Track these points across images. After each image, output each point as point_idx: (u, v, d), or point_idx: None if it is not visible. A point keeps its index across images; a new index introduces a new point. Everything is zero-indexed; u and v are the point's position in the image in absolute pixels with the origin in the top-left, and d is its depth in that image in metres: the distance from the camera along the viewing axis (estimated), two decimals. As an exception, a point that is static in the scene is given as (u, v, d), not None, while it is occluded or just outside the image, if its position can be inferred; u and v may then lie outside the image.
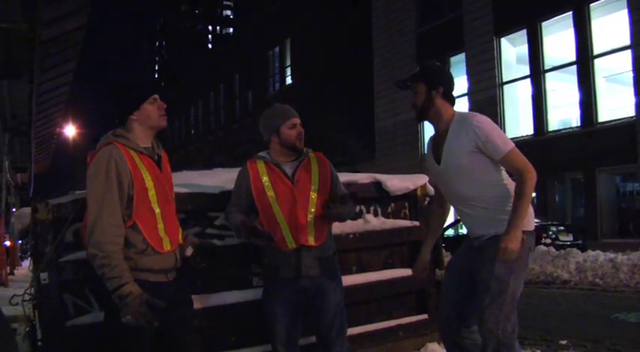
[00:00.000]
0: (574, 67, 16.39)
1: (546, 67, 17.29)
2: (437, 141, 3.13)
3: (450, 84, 3.12)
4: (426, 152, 3.38)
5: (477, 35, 19.04)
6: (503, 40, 18.58)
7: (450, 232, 16.02)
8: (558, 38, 17.22)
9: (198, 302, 3.10)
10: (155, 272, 2.59)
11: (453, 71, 17.80)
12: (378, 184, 4.13)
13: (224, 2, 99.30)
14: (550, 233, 13.84)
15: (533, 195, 3.04)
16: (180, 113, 41.38)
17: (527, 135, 17.47)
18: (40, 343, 3.10)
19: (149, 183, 2.56)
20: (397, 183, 4.19)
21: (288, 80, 28.59)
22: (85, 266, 2.94)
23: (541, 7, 16.89)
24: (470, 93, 19.14)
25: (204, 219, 3.51)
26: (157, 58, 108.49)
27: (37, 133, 16.14)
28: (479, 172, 2.95)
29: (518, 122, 18.52)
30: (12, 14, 6.88)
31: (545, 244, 12.62)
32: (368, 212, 4.12)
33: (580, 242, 13.76)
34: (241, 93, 32.84)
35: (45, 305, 3.06)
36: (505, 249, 2.77)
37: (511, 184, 2.98)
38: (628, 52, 15.17)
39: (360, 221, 4.01)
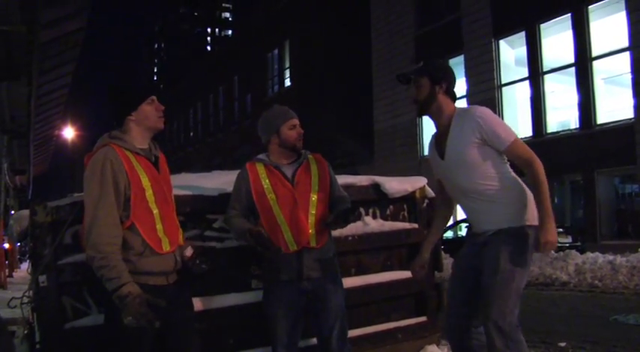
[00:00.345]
0: (573, 69, 16.40)
1: (545, 69, 17.29)
2: (439, 137, 3.13)
3: (452, 80, 3.12)
4: (428, 152, 3.37)
5: (475, 37, 19.06)
6: (501, 42, 18.59)
7: (449, 234, 16.03)
8: (557, 40, 17.22)
9: (196, 304, 3.10)
10: (155, 275, 2.58)
11: (452, 73, 17.74)
12: (376, 186, 4.13)
13: (223, 4, 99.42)
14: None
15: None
16: (179, 115, 41.36)
17: (526, 137, 17.45)
18: (38, 346, 3.10)
19: (146, 184, 2.56)
20: (396, 185, 4.19)
21: (287, 82, 28.58)
22: (83, 268, 2.94)
23: (540, 9, 16.90)
24: (468, 95, 19.14)
25: (202, 221, 3.51)
26: (155, 60, 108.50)
27: (35, 135, 16.13)
28: (484, 164, 2.94)
29: (517, 124, 18.51)
30: (11, 16, 6.88)
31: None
32: (367, 214, 4.12)
33: (579, 244, 13.75)
34: (240, 96, 32.83)
35: (43, 307, 3.06)
36: (546, 243, 2.76)
37: (515, 177, 2.98)
38: (626, 54, 15.18)
39: (358, 223, 4.02)
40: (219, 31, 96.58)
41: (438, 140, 3.14)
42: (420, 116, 3.26)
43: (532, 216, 2.90)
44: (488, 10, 18.63)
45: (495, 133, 2.90)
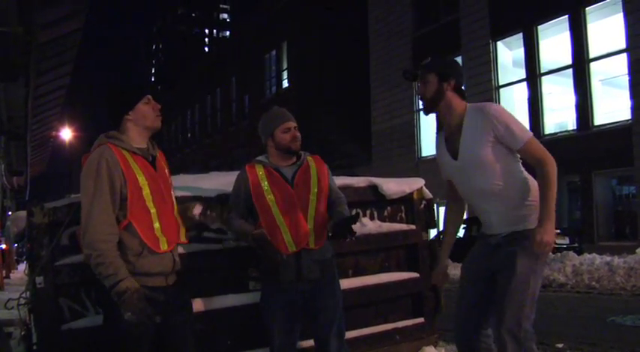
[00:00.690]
0: (570, 71, 16.42)
1: (542, 71, 17.32)
2: (450, 136, 3.02)
3: (461, 77, 3.02)
4: (436, 150, 3.26)
5: (473, 39, 19.08)
6: (499, 43, 18.61)
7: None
8: (554, 42, 17.25)
9: (194, 305, 3.10)
10: (153, 276, 2.58)
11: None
12: (374, 188, 4.14)
13: (221, 5, 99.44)
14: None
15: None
16: (177, 116, 41.35)
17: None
18: (35, 347, 3.10)
19: (142, 182, 2.56)
20: (393, 186, 4.19)
21: (285, 83, 28.58)
22: (80, 269, 2.94)
23: (537, 11, 16.92)
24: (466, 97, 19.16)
25: (200, 222, 3.50)
26: (153, 61, 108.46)
27: (33, 136, 16.12)
28: (499, 164, 2.85)
29: (515, 125, 18.54)
30: (8, 17, 6.86)
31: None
32: (364, 215, 4.13)
33: (576, 245, 13.77)
34: (238, 97, 32.82)
35: (41, 309, 3.06)
36: (541, 242, 2.68)
37: (529, 177, 2.91)
38: (624, 56, 15.20)
39: (356, 225, 4.02)
40: (217, 32, 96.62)
41: (449, 139, 3.03)
42: (428, 114, 3.14)
43: None
44: (486, 12, 18.65)
45: (510, 131, 2.80)
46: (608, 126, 15.60)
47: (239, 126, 31.43)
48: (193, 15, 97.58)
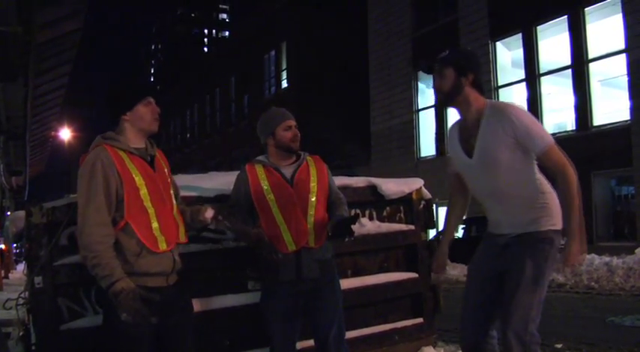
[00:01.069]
0: (569, 71, 16.42)
1: (541, 71, 17.32)
2: (466, 132, 2.93)
3: (479, 71, 2.93)
4: (449, 144, 3.17)
5: (472, 39, 19.07)
6: (498, 44, 18.61)
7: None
8: (553, 42, 17.25)
9: (194, 305, 3.10)
10: (153, 276, 2.57)
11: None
12: (373, 188, 4.14)
13: (220, 6, 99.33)
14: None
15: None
16: (176, 116, 41.32)
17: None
18: (34, 347, 3.09)
19: (139, 182, 2.55)
20: (392, 186, 4.19)
21: (284, 84, 28.57)
22: (79, 270, 2.94)
23: (536, 12, 16.92)
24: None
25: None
26: (152, 62, 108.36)
27: (32, 136, 16.10)
28: (515, 167, 2.79)
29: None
30: (7, 17, 6.86)
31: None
32: (363, 216, 4.13)
33: (575, 245, 13.75)
34: (237, 97, 32.81)
35: (39, 309, 3.06)
36: (576, 257, 2.68)
37: (543, 178, 2.86)
38: (623, 56, 15.20)
39: (355, 226, 4.01)
40: (217, 32, 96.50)
41: (464, 135, 2.94)
42: (443, 107, 3.11)
43: (558, 220, 2.79)
44: (485, 12, 18.65)
45: (531, 136, 2.72)
46: (608, 126, 15.61)
47: (238, 126, 31.41)
48: (193, 15, 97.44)
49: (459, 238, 15.55)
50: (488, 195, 2.96)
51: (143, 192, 2.56)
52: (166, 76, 79.23)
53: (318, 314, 3.13)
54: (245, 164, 3.27)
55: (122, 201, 2.52)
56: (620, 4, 15.15)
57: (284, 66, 28.58)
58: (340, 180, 3.85)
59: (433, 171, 18.77)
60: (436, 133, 19.91)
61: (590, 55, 15.83)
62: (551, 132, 17.29)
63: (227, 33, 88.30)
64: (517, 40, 17.99)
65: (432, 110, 20.21)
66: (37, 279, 3.02)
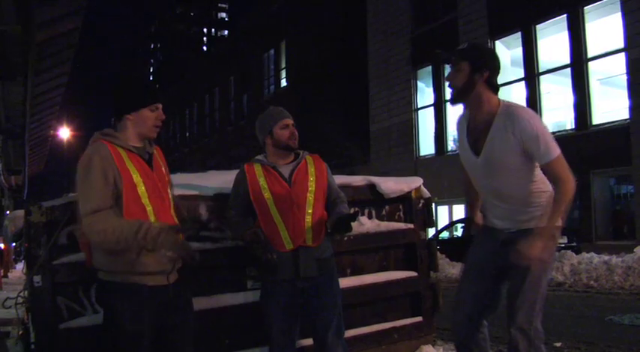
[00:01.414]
0: (568, 70, 16.42)
1: (541, 70, 17.31)
2: (474, 129, 2.90)
3: (496, 70, 2.84)
4: (457, 135, 3.14)
5: (471, 38, 19.03)
6: (497, 42, 18.60)
7: (445, 235, 16.02)
8: (553, 41, 17.25)
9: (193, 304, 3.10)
10: (153, 274, 2.56)
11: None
12: (372, 187, 4.14)
13: (219, 5, 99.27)
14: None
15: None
16: (176, 115, 41.31)
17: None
18: (33, 346, 3.09)
19: (137, 180, 2.55)
20: (392, 185, 4.19)
21: (283, 82, 28.58)
22: (78, 268, 2.93)
23: (535, 10, 16.92)
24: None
25: (198, 221, 3.49)
26: (151, 61, 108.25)
27: (31, 135, 16.11)
28: (521, 170, 2.79)
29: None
30: (6, 16, 6.85)
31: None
32: (362, 214, 4.12)
33: (574, 244, 13.76)
34: (236, 96, 32.82)
35: (38, 308, 3.06)
36: (523, 256, 2.65)
37: (544, 178, 2.85)
38: (622, 55, 15.20)
39: (354, 223, 4.02)
40: (216, 31, 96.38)
41: (472, 132, 2.91)
42: (454, 104, 2.94)
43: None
44: (484, 11, 18.65)
45: (537, 146, 2.70)
46: (607, 125, 15.61)
47: (237, 125, 31.43)
48: (192, 14, 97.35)
49: (458, 237, 15.56)
50: (490, 193, 2.97)
51: (141, 189, 2.55)
52: (165, 76, 79.19)
53: (318, 313, 3.13)
54: (244, 164, 3.28)
55: (120, 198, 2.51)
56: (619, 3, 15.15)
57: (283, 65, 28.59)
58: (339, 179, 3.84)
59: (432, 170, 18.81)
60: (435, 132, 19.93)
61: (590, 54, 15.83)
62: (550, 131, 17.31)
63: (226, 32, 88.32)
64: (516, 38, 17.98)
65: (432, 109, 20.23)
66: (37, 278, 3.02)
